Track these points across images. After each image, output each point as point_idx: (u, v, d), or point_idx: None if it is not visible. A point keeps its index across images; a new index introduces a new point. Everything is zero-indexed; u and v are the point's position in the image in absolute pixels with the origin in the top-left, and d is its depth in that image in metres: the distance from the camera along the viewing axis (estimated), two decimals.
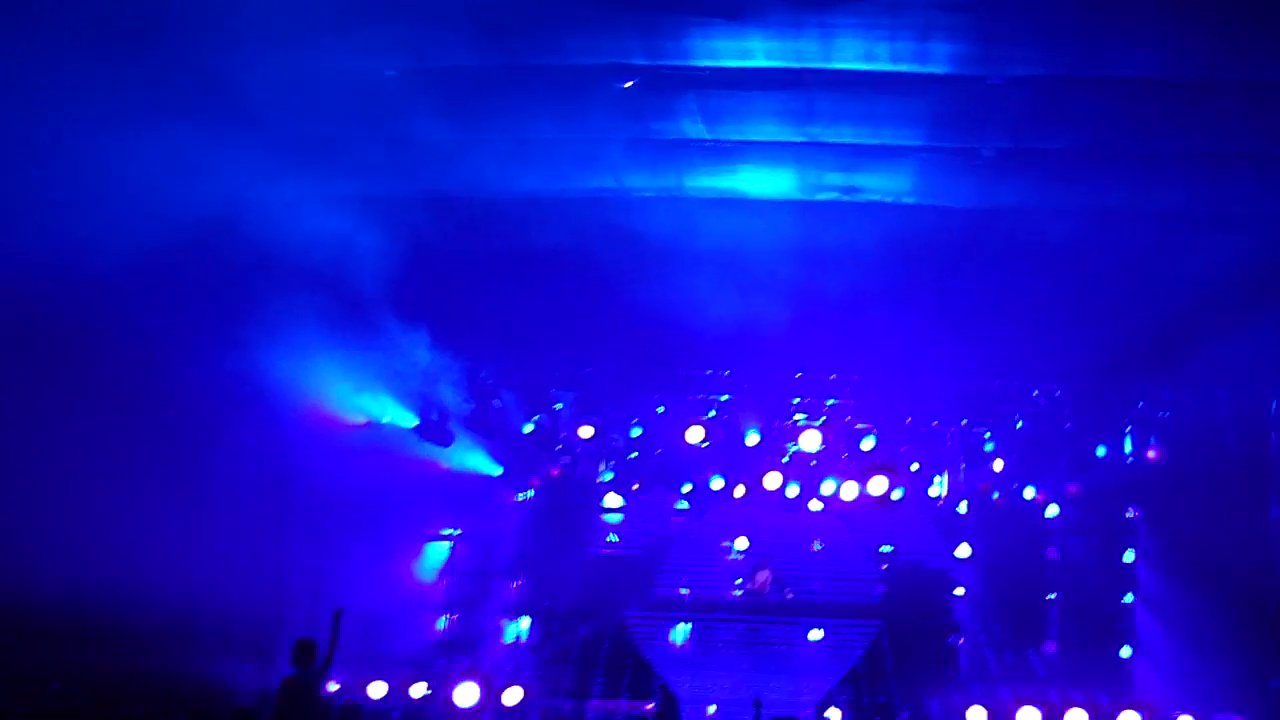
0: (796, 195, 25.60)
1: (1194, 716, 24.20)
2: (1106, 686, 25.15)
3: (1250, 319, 25.24)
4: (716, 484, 32.11)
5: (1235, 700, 25.87)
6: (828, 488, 31.73)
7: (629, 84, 21.83)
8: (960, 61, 20.56)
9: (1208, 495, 28.86)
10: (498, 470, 31.68)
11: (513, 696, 24.98)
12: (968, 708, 24.68)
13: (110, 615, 23.60)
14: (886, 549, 31.98)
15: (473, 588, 31.85)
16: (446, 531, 32.08)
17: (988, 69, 20.78)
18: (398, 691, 24.47)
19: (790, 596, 31.46)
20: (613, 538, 32.86)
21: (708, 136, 23.64)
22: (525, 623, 31.50)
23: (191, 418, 26.75)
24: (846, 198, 25.58)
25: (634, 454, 32.73)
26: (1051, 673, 28.57)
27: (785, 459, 31.89)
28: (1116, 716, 23.47)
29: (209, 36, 19.31)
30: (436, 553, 32.00)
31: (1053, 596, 30.87)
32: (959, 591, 31.40)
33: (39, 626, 23.45)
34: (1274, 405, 28.21)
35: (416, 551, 31.32)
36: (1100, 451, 30.82)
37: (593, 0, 19.15)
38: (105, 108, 19.63)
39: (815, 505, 32.09)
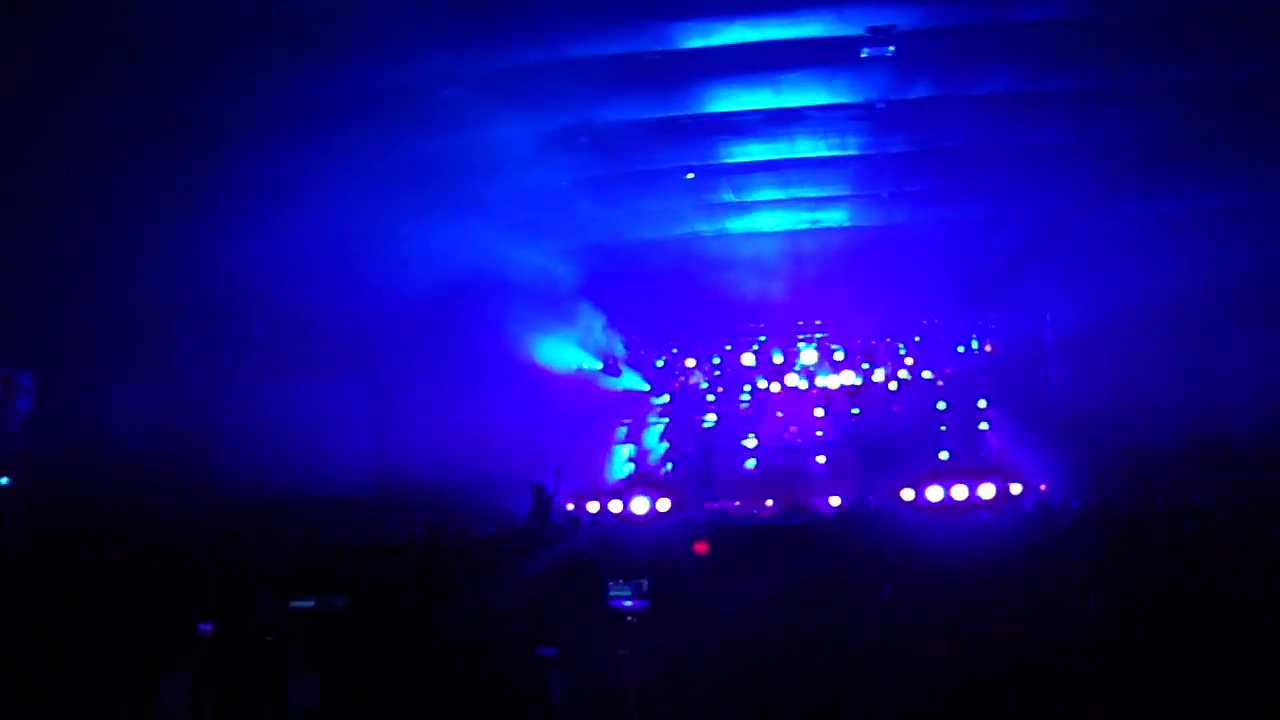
0: (788, 227, 25.05)
1: (1020, 483, 23.17)
2: (975, 472, 24.16)
3: (1030, 274, 25.16)
4: (761, 385, 31.08)
5: (1039, 473, 25.12)
6: (820, 381, 30.66)
7: (690, 175, 21.45)
8: (863, 147, 20.16)
9: (1017, 370, 28.32)
10: (646, 387, 30.98)
11: (664, 505, 24.11)
12: (901, 489, 23.65)
13: (448, 476, 23.37)
14: (855, 411, 30.80)
15: (640, 448, 31.21)
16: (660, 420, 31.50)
17: (876, 149, 20.32)
18: (604, 506, 23.70)
19: (803, 440, 30.76)
20: (711, 416, 31.87)
21: (736, 199, 23.15)
22: (669, 465, 30.83)
23: (478, 373, 26.66)
24: (815, 226, 25.04)
25: (717, 373, 31.79)
26: (945, 467, 27.58)
27: (797, 367, 30.93)
28: (979, 484, 22.42)
29: (470, 170, 19.19)
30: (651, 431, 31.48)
31: (944, 427, 29.85)
32: None
33: (412, 483, 23.27)
34: (1047, 316, 27.40)
35: (609, 432, 30.69)
36: (960, 349, 29.93)
37: (662, 130, 18.64)
38: (419, 212, 19.79)
39: (815, 391, 31.08)
